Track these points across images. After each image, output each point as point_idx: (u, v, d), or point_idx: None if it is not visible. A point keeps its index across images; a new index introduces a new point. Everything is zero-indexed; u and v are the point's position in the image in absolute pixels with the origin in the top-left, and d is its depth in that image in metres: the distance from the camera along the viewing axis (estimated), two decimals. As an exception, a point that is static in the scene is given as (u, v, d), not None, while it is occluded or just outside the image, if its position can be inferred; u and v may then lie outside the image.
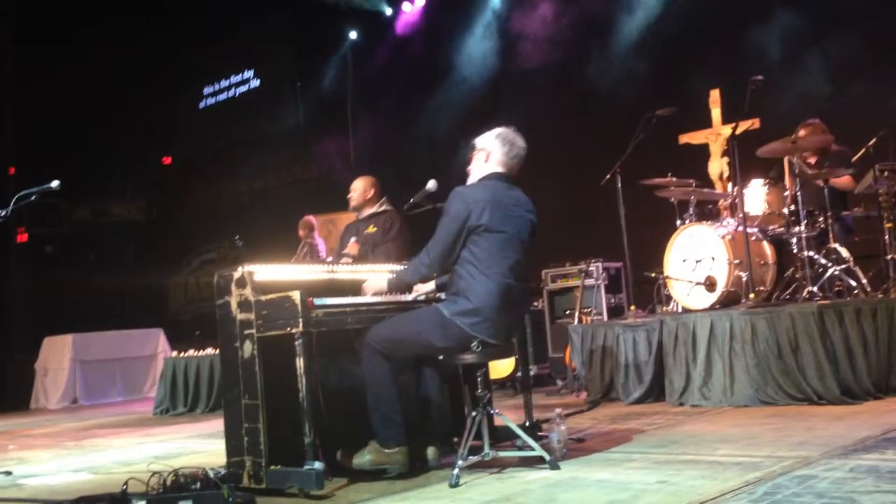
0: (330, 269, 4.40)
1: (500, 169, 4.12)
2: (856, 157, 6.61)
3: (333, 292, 4.13)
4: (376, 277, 4.21)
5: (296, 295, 3.74)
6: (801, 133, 6.51)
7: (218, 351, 8.71)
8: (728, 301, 6.31)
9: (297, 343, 3.74)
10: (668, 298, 6.84)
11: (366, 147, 13.66)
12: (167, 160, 17.43)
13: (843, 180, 6.53)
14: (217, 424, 7.26)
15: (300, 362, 3.74)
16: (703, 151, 8.40)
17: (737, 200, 6.42)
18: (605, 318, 7.77)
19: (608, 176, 7.06)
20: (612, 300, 8.06)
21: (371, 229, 6.47)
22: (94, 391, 11.75)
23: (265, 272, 4.08)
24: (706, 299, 6.37)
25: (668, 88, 8.96)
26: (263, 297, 3.91)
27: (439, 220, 4.05)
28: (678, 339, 6.01)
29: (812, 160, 6.69)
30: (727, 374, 5.69)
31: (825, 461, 3.54)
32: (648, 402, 6.15)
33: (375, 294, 4.15)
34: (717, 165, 8.35)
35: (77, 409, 11.12)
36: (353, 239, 6.48)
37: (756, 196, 6.46)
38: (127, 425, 8.12)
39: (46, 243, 15.80)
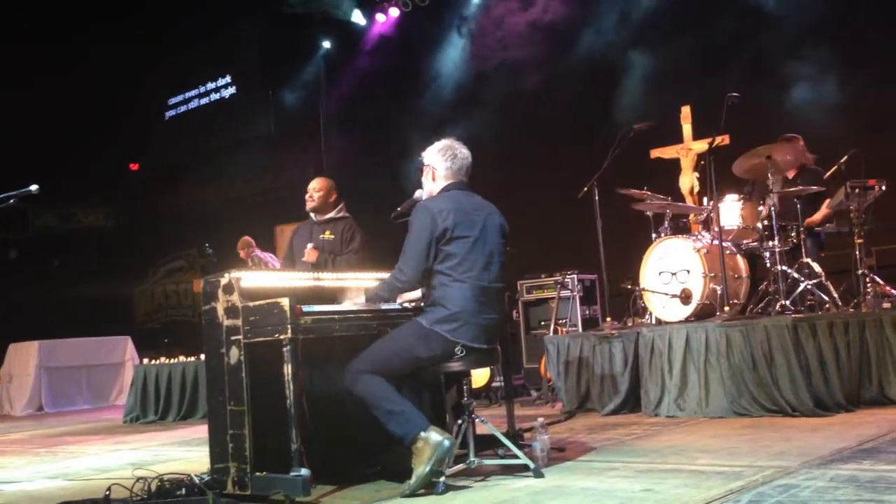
0: (316, 276, 4.41)
1: (450, 181, 4.19)
2: (828, 174, 6.75)
3: (319, 300, 4.15)
4: (357, 296, 4.21)
5: (285, 301, 3.75)
6: (782, 146, 6.62)
7: (190, 359, 8.79)
8: (703, 314, 6.40)
9: (285, 349, 3.74)
10: (644, 310, 6.92)
11: (337, 156, 13.67)
12: (134, 167, 17.29)
13: (815, 217, 6.71)
14: (191, 432, 7.25)
15: (288, 369, 3.74)
16: (674, 166, 8.52)
17: (712, 214, 6.53)
18: (580, 329, 7.84)
19: (585, 189, 7.14)
20: (587, 312, 8.13)
21: (328, 235, 6.36)
22: (61, 398, 11.57)
23: (252, 279, 4.08)
24: (681, 312, 6.46)
25: (640, 104, 9.08)
26: (251, 304, 3.91)
27: (407, 236, 4.08)
28: (654, 351, 6.08)
29: (789, 175, 6.83)
30: (702, 385, 5.77)
31: (805, 471, 3.61)
32: (624, 412, 6.21)
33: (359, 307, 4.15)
34: (688, 180, 8.46)
35: (43, 416, 10.95)
36: (310, 245, 6.32)
37: (730, 210, 6.56)
38: (97, 432, 8.02)
39: (10, 248, 15.60)
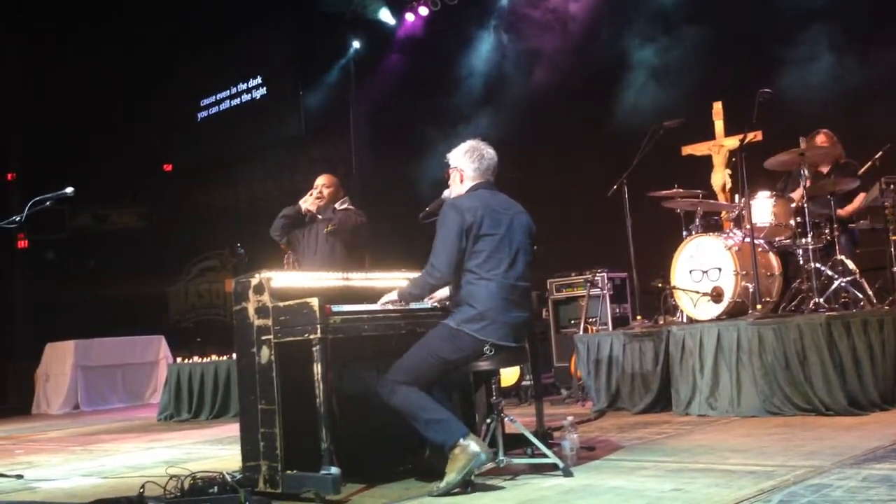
0: (345, 276, 4.44)
1: (478, 181, 4.20)
2: (862, 170, 6.67)
3: (348, 300, 4.17)
4: (389, 293, 4.21)
5: (314, 301, 3.78)
6: (815, 141, 6.55)
7: (222, 358, 8.87)
8: (735, 312, 6.35)
9: (314, 349, 3.77)
10: (675, 309, 6.88)
11: (368, 155, 13.72)
12: (168, 167, 17.45)
13: (848, 209, 6.62)
14: (224, 430, 7.32)
15: (317, 368, 3.77)
16: (705, 163, 8.45)
17: (743, 212, 6.47)
18: (610, 328, 7.80)
19: (615, 187, 7.11)
20: (617, 310, 8.09)
21: (329, 228, 6.24)
22: (96, 397, 11.74)
23: (282, 279, 4.12)
24: (713, 310, 6.41)
25: (671, 100, 9.01)
26: (281, 304, 3.94)
27: (436, 234, 4.09)
28: (685, 350, 6.05)
29: (823, 170, 6.75)
30: (734, 384, 5.73)
31: (837, 470, 3.58)
32: (655, 411, 6.18)
33: (390, 304, 4.16)
34: (720, 177, 8.38)
35: (79, 414, 11.12)
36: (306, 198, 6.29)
37: (762, 208, 6.50)
38: (132, 431, 8.13)
39: (47, 250, 15.83)
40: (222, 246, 16.24)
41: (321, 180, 6.41)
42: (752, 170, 6.48)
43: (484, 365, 3.98)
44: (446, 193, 4.32)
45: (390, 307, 4.11)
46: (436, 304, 4.29)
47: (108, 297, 15.04)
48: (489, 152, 4.24)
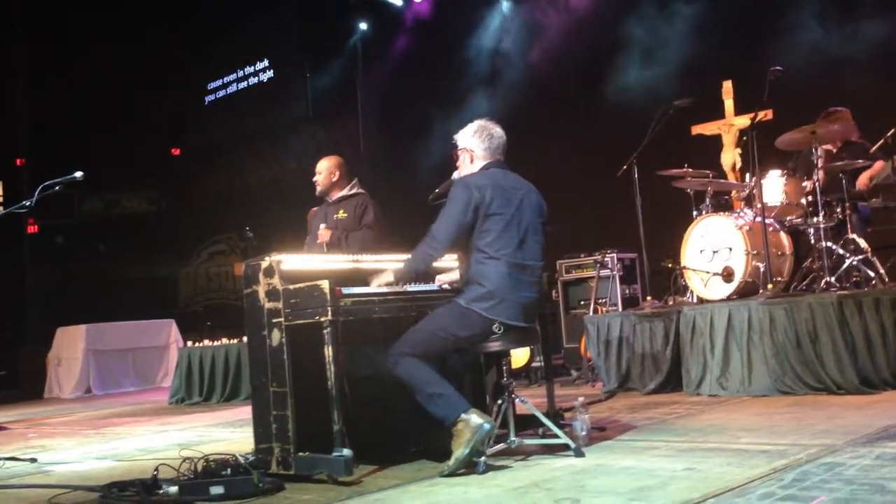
0: (355, 258, 4.43)
1: (488, 161, 4.18)
2: (874, 148, 6.61)
3: (358, 282, 4.16)
4: (384, 273, 4.18)
5: (325, 284, 3.77)
6: (828, 120, 6.50)
7: (233, 341, 8.90)
8: (745, 292, 6.33)
9: (325, 331, 3.77)
10: (685, 289, 6.86)
11: (375, 137, 13.70)
12: (176, 151, 17.46)
13: (861, 181, 6.56)
14: (235, 413, 7.36)
15: (329, 351, 3.77)
16: (715, 143, 8.41)
17: (754, 191, 6.43)
18: (620, 308, 7.79)
19: (625, 167, 7.08)
20: (627, 291, 8.08)
21: (341, 214, 6.12)
22: (108, 381, 11.81)
23: (292, 261, 4.11)
24: (723, 290, 6.39)
25: (681, 79, 8.96)
26: (291, 287, 3.94)
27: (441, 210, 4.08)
28: (695, 330, 6.03)
29: (833, 148, 6.70)
30: (745, 364, 5.72)
31: (850, 449, 3.56)
32: (666, 391, 6.18)
33: (385, 284, 4.15)
34: (730, 156, 8.33)
35: (91, 398, 11.19)
36: (323, 226, 6.06)
37: (773, 187, 6.46)
38: (144, 414, 8.18)
39: (57, 234, 15.88)
40: (230, 229, 16.27)
41: (317, 166, 6.29)
42: (763, 149, 6.44)
43: (494, 345, 3.97)
44: (455, 175, 4.31)
45: (401, 289, 4.10)
46: (446, 286, 4.28)
47: (118, 281, 15.14)
48: (498, 131, 4.22)
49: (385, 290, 4.09)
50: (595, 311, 7.53)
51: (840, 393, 5.25)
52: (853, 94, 7.34)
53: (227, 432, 6.12)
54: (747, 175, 6.76)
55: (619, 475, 3.49)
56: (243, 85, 16.49)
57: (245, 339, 8.85)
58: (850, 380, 5.29)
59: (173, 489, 3.73)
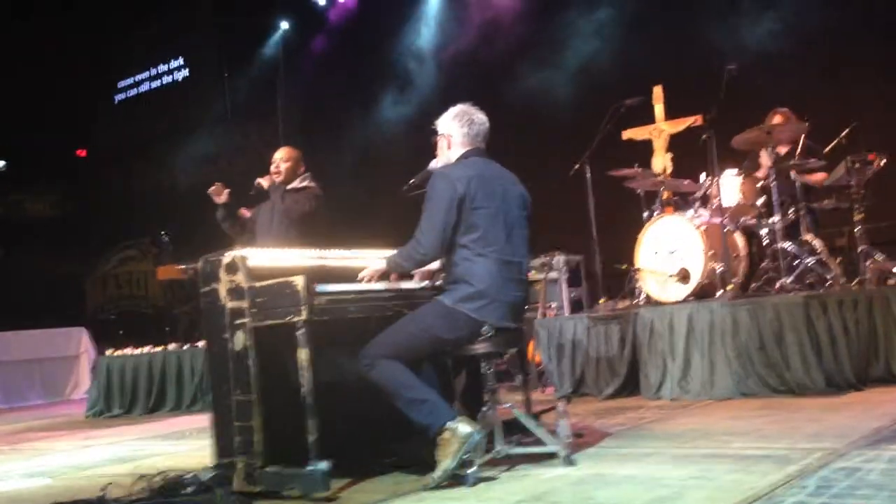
0: (320, 255, 4.09)
1: (468, 148, 3.90)
2: (828, 149, 6.60)
3: (323, 279, 3.82)
4: (374, 263, 3.89)
5: (299, 280, 3.43)
6: (775, 120, 6.48)
7: (157, 349, 8.39)
8: (702, 293, 6.22)
9: (299, 333, 3.43)
10: (636, 291, 6.71)
11: (296, 137, 13.28)
12: (82, 153, 16.73)
13: (817, 177, 6.53)
14: (166, 425, 6.89)
15: (303, 354, 3.43)
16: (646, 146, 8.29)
17: (710, 191, 6.34)
18: (566, 312, 7.61)
19: (576, 166, 6.90)
20: (573, 294, 7.91)
21: (291, 203, 5.84)
22: (12, 393, 11.00)
23: (258, 256, 3.76)
24: (679, 292, 6.26)
25: (615, 83, 8.85)
26: (258, 284, 3.59)
27: (423, 207, 3.79)
28: (654, 332, 5.87)
29: (783, 150, 6.66)
30: (707, 366, 5.58)
31: (856, 452, 3.41)
32: (623, 396, 6.01)
33: (376, 274, 3.84)
34: (661, 161, 8.23)
35: (-5, 412, 10.42)
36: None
37: (730, 186, 6.38)
38: (60, 428, 7.58)
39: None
40: (142, 234, 15.60)
41: (279, 154, 5.95)
42: (697, 151, 6.33)
43: (481, 348, 3.69)
44: (433, 164, 4.01)
45: (379, 286, 3.79)
46: (427, 282, 3.98)
47: (21, 288, 14.25)
48: (479, 117, 3.94)
49: (363, 287, 3.76)
50: (543, 314, 7.32)
51: (804, 395, 5.16)
52: (806, 94, 7.36)
53: (165, 445, 5.66)
54: (702, 175, 6.64)
55: (625, 485, 3.25)
56: (156, 84, 15.90)
57: (169, 347, 8.43)
58: (816, 381, 5.21)
59: (128, 511, 3.33)
